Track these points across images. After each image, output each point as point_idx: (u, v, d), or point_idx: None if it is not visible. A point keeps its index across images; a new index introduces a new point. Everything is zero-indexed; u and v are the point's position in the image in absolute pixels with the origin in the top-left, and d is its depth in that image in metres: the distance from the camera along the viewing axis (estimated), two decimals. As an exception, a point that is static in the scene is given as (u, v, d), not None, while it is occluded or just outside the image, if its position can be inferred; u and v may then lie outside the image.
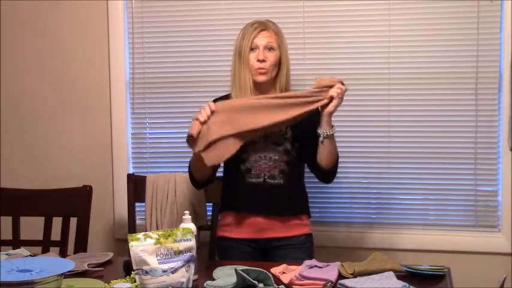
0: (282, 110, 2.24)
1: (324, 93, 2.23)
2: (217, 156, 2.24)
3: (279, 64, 2.39)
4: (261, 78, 2.35)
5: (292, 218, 2.41)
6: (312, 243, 2.47)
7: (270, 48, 2.35)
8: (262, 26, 2.36)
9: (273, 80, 2.40)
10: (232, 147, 2.24)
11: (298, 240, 2.40)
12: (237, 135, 2.23)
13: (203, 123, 2.22)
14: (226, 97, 2.45)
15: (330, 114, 2.24)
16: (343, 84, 2.23)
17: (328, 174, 2.41)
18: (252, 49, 2.34)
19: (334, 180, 2.76)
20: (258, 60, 2.33)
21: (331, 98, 2.21)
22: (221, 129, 2.22)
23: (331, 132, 2.28)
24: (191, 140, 2.23)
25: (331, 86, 2.22)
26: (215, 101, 2.48)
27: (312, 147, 2.32)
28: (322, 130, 2.27)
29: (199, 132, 2.21)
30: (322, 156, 2.34)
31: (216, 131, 2.21)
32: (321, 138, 2.28)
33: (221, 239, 2.48)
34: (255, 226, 2.38)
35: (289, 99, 2.26)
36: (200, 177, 2.41)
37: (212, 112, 2.22)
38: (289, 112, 2.24)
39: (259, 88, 2.39)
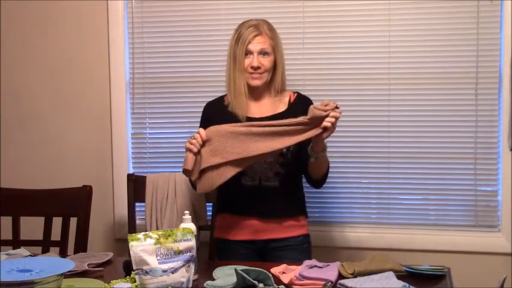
0: (273, 139, 2.20)
1: (317, 121, 2.15)
2: (209, 184, 2.25)
3: (274, 66, 2.39)
4: (256, 83, 2.36)
5: (289, 219, 2.40)
6: (310, 243, 2.46)
7: (265, 53, 2.35)
8: (256, 30, 2.35)
9: (268, 83, 2.40)
10: (224, 174, 2.23)
11: (295, 241, 2.40)
12: (228, 163, 2.22)
13: (196, 154, 2.22)
14: (222, 98, 2.46)
15: (323, 139, 2.21)
16: (337, 107, 2.16)
17: (317, 183, 2.42)
18: (246, 54, 2.35)
19: (334, 181, 2.78)
20: (252, 67, 2.33)
21: (325, 128, 2.15)
22: (212, 158, 2.22)
23: (322, 155, 2.26)
24: (187, 170, 2.24)
25: (325, 116, 2.13)
26: (210, 103, 2.50)
27: (306, 151, 2.31)
28: (314, 152, 2.25)
29: (194, 163, 2.22)
30: (312, 169, 2.35)
31: (207, 160, 2.22)
32: (311, 159, 2.28)
33: (219, 241, 2.48)
34: (252, 228, 2.37)
35: (281, 127, 2.20)
36: None
37: (203, 141, 2.21)
38: (280, 142, 2.20)
39: (254, 91, 2.40)
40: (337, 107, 2.16)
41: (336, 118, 2.15)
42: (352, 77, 2.82)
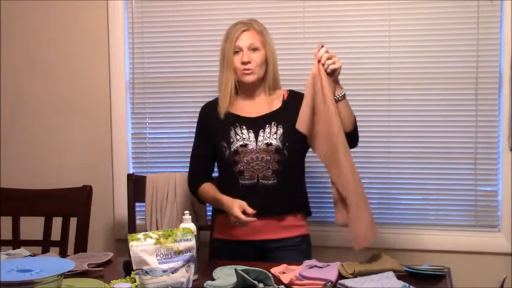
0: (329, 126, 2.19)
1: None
2: None
3: (265, 63, 2.38)
4: (249, 79, 2.35)
5: (288, 218, 2.39)
6: (309, 244, 2.46)
7: (254, 49, 2.35)
8: (245, 26, 2.36)
9: (261, 80, 2.40)
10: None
11: (294, 241, 2.39)
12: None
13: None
14: (217, 100, 2.45)
15: (334, 76, 2.18)
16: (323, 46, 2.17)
17: (350, 137, 2.27)
18: (236, 52, 2.34)
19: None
20: (243, 63, 2.33)
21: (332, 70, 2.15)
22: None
23: (342, 94, 2.22)
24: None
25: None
26: (205, 106, 2.50)
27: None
28: (334, 96, 2.20)
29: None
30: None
31: None
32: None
33: (217, 241, 2.48)
34: (251, 228, 2.35)
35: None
36: None
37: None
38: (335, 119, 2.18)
39: (248, 89, 2.40)
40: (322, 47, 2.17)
41: (328, 58, 2.15)
42: (352, 77, 2.82)
